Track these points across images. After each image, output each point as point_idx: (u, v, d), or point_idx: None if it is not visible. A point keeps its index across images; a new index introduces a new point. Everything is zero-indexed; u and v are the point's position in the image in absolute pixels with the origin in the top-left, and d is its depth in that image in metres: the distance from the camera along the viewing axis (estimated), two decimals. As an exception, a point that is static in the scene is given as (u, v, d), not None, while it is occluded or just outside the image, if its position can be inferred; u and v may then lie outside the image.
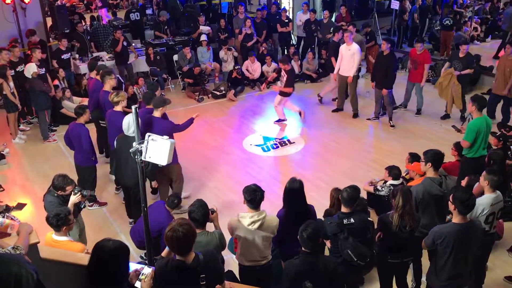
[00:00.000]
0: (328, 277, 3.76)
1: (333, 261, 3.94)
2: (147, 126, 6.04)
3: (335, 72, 9.85)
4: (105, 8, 14.75)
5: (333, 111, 10.18)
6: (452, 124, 9.31)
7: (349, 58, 9.43)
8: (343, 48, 9.55)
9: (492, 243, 4.99)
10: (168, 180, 6.67)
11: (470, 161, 6.14)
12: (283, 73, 9.20)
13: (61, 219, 4.24)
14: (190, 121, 6.54)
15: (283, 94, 9.30)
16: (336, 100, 10.34)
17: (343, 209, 4.43)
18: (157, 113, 6.24)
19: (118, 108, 6.49)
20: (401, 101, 10.14)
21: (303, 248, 3.79)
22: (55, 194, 5.01)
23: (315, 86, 11.82)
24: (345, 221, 4.33)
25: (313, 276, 3.71)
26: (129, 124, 5.87)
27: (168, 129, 6.10)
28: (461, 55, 9.16)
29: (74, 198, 4.91)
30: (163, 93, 7.61)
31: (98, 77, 7.68)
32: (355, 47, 9.40)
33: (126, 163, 5.86)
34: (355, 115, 9.90)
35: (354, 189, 4.43)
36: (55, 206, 4.93)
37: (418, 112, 9.92)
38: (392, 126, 9.39)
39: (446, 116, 9.62)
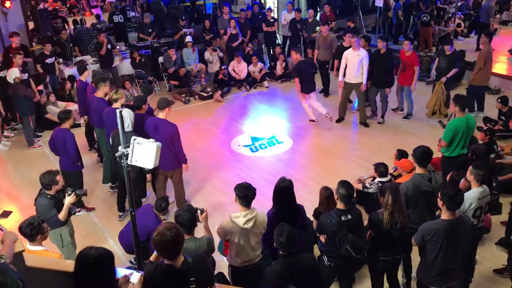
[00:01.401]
0: (310, 274, 3.78)
1: (312, 258, 3.98)
2: (153, 129, 6.01)
3: (340, 78, 9.26)
4: (99, 7, 14.58)
5: (337, 121, 9.56)
6: (439, 119, 9.34)
7: (357, 64, 8.90)
8: (349, 53, 9.00)
9: (480, 237, 5.03)
10: (165, 179, 6.59)
11: (448, 160, 6.23)
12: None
13: (35, 228, 4.11)
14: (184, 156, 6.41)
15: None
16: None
17: (340, 206, 4.42)
18: (162, 115, 6.16)
19: (117, 105, 6.53)
20: (396, 105, 9.90)
21: (281, 252, 3.79)
22: (48, 196, 4.94)
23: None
24: (343, 218, 4.34)
25: (296, 277, 3.72)
26: (125, 119, 5.89)
27: (173, 131, 6.05)
28: (447, 52, 9.05)
29: (69, 199, 4.85)
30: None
31: (88, 83, 7.71)
32: (363, 52, 8.92)
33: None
34: (365, 124, 9.39)
35: (349, 186, 4.43)
36: (49, 208, 4.87)
37: (407, 116, 9.60)
38: (379, 123, 9.43)
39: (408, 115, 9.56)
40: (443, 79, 9.06)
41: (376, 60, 9.08)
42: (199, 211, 4.21)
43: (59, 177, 4.98)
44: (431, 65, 9.68)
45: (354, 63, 8.93)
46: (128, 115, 6.01)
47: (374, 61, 9.08)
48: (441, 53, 9.30)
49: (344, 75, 9.19)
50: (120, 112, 3.64)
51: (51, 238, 4.97)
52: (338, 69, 9.51)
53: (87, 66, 8.91)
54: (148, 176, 6.28)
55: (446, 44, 9.23)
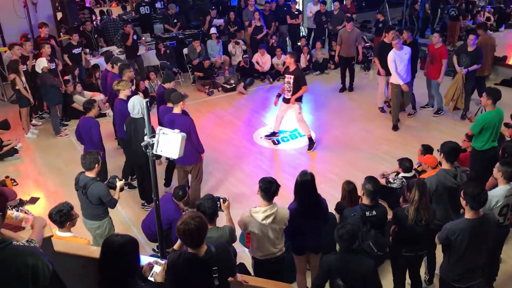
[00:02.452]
0: (362, 279, 3.75)
1: (368, 264, 3.80)
2: (168, 125, 6.05)
3: (401, 82, 8.50)
4: None
5: (393, 128, 8.94)
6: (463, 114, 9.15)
7: (406, 63, 8.46)
8: (397, 55, 8.41)
9: (506, 235, 4.94)
10: (186, 174, 6.63)
11: (479, 153, 6.11)
12: (287, 79, 7.99)
13: (64, 215, 4.24)
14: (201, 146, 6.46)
15: (298, 99, 8.09)
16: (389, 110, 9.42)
17: (365, 201, 4.40)
18: (177, 109, 6.21)
19: (121, 96, 6.74)
20: (426, 101, 9.70)
21: (339, 246, 3.80)
22: (98, 179, 4.99)
23: (325, 78, 11.75)
24: (367, 214, 4.33)
25: (345, 275, 3.71)
26: (133, 105, 6.18)
27: (188, 124, 6.10)
28: (469, 49, 8.60)
29: (121, 183, 5.10)
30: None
31: (113, 70, 7.80)
32: (408, 49, 8.51)
33: (136, 143, 6.03)
34: (395, 127, 8.94)
35: (376, 182, 4.41)
36: (108, 191, 4.99)
37: (438, 112, 9.38)
38: (410, 114, 9.38)
39: (463, 117, 9.09)
40: (464, 70, 8.59)
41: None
42: (221, 200, 4.24)
43: (98, 156, 5.04)
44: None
45: (404, 63, 8.48)
46: (138, 102, 6.18)
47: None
48: (462, 50, 8.86)
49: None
50: (147, 102, 3.68)
51: (102, 230, 5.13)
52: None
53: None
54: (157, 162, 6.36)
55: (471, 33, 8.73)
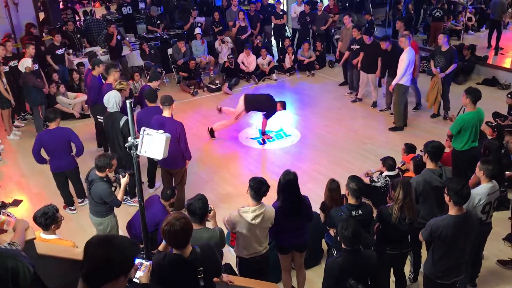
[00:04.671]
0: (371, 272, 3.79)
1: (373, 256, 3.89)
2: (158, 128, 5.98)
3: (404, 82, 8.53)
4: None
5: (395, 129, 8.92)
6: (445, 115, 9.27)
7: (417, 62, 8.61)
8: (412, 54, 8.43)
9: (488, 233, 5.01)
10: (171, 176, 6.54)
11: (460, 153, 6.19)
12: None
13: (49, 217, 4.18)
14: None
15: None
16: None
17: (351, 201, 4.44)
18: (167, 112, 6.09)
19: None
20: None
21: (343, 246, 3.79)
22: (104, 179, 5.05)
23: (311, 78, 11.80)
24: (353, 213, 4.36)
25: (357, 273, 3.72)
26: (108, 99, 6.36)
27: (180, 129, 6.03)
28: (443, 49, 8.70)
29: (125, 180, 5.08)
30: (158, 88, 7.58)
31: (94, 72, 7.67)
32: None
33: (113, 137, 6.26)
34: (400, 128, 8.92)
35: (359, 181, 4.44)
36: (112, 191, 5.05)
37: (416, 107, 9.60)
38: (392, 114, 9.38)
39: (435, 116, 9.30)
40: (441, 74, 8.70)
41: (387, 55, 9.00)
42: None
43: (114, 162, 5.13)
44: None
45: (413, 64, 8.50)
46: (113, 96, 6.33)
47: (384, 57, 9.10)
48: (436, 51, 8.94)
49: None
50: (130, 103, 3.66)
51: (104, 227, 5.19)
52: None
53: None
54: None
55: (441, 33, 8.85)
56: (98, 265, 2.19)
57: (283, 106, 8.49)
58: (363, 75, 9.88)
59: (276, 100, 8.54)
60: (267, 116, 8.48)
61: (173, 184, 6.48)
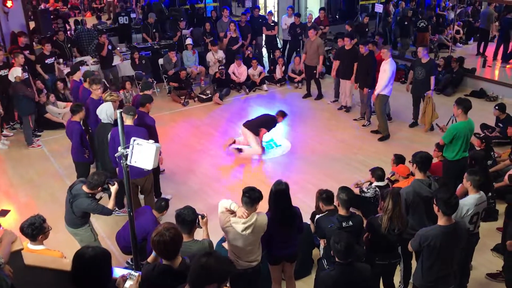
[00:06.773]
0: (365, 285, 3.78)
1: (367, 269, 3.89)
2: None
3: (386, 92, 8.72)
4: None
5: (380, 140, 9.06)
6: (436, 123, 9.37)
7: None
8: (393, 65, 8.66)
9: (476, 243, 5.05)
10: (137, 189, 6.37)
11: (451, 163, 6.24)
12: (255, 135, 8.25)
13: (36, 228, 4.12)
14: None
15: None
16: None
17: (341, 212, 4.46)
18: (129, 121, 5.93)
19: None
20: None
21: (337, 259, 3.77)
22: (89, 195, 4.95)
23: (300, 90, 11.87)
24: (344, 224, 4.38)
25: (351, 286, 3.72)
26: (101, 110, 6.49)
27: (145, 136, 5.78)
28: (423, 61, 8.84)
29: (116, 187, 5.04)
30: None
31: (85, 84, 7.67)
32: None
33: (105, 150, 6.29)
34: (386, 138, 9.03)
35: (350, 191, 4.46)
36: (96, 204, 4.98)
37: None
38: (364, 125, 9.59)
39: (413, 124, 9.49)
40: (430, 93, 8.85)
41: (360, 62, 9.33)
42: (200, 216, 4.21)
43: (105, 182, 5.05)
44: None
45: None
46: (105, 109, 6.43)
47: (358, 63, 9.43)
48: (417, 63, 9.04)
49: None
50: (120, 113, 3.66)
51: (80, 237, 5.11)
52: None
53: (81, 67, 9.04)
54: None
55: (420, 46, 9.07)
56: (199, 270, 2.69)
57: (283, 115, 8.60)
58: (342, 82, 10.20)
59: (274, 111, 8.69)
60: (269, 129, 8.50)
61: (144, 196, 6.43)
